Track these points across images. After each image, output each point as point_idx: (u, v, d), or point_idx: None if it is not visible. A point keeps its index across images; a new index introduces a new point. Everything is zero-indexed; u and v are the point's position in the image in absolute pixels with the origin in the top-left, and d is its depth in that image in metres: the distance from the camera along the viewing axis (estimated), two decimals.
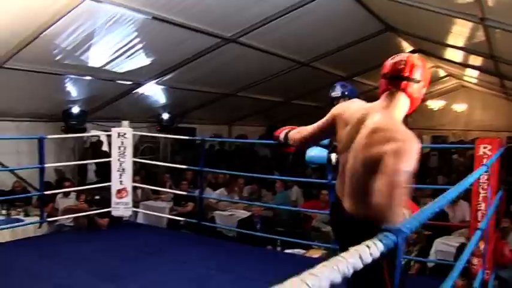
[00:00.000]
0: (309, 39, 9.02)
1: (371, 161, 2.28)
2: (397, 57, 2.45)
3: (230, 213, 8.67)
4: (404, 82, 2.36)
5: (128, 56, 8.05)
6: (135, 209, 7.96)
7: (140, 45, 7.76)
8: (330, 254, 6.30)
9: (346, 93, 4.20)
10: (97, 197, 7.92)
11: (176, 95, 10.99)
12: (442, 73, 16.43)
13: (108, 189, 7.36)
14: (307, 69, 10.81)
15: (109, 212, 7.35)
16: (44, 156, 6.51)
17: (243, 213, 8.46)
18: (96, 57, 7.84)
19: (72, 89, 8.97)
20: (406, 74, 2.36)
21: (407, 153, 2.17)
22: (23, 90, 8.27)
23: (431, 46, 10.25)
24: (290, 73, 10.82)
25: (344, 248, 1.92)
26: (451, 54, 10.68)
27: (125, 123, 7.57)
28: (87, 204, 7.57)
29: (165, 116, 11.83)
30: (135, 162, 7.80)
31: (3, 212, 8.01)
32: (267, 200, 9.37)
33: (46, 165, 6.76)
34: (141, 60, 8.37)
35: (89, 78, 8.53)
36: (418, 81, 2.38)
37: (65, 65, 7.83)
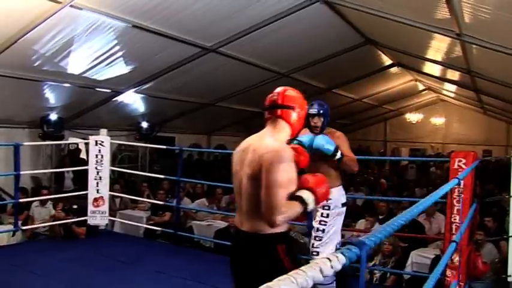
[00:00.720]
0: (289, 50, 9.09)
1: (253, 175, 2.62)
2: (274, 91, 2.86)
3: (208, 223, 8.63)
4: (279, 110, 2.76)
5: (108, 64, 8.03)
6: (112, 218, 7.88)
7: (120, 53, 7.74)
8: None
9: (321, 111, 4.38)
10: (75, 206, 7.84)
11: (156, 104, 10.97)
12: (420, 87, 16.66)
13: (85, 197, 7.28)
14: (287, 80, 10.86)
15: (86, 220, 7.27)
16: (19, 163, 6.41)
17: (221, 224, 8.41)
18: (75, 64, 7.81)
19: (50, 96, 8.91)
20: (280, 102, 2.77)
21: (280, 162, 2.52)
22: (0, 95, 8.19)
23: (410, 60, 10.39)
24: (270, 84, 10.83)
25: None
26: (430, 68, 10.85)
27: (103, 131, 7.50)
28: (64, 213, 7.48)
29: (144, 124, 11.79)
30: (113, 171, 7.74)
31: None
32: None
33: (22, 172, 6.67)
34: (120, 68, 8.35)
35: (67, 85, 8.49)
36: (292, 108, 2.77)
37: (44, 71, 7.79)
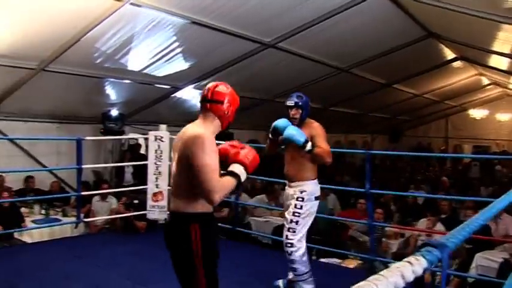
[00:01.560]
0: (349, 45, 8.93)
1: (179, 159, 2.89)
2: (206, 86, 3.13)
3: (266, 219, 8.61)
4: (208, 104, 3.02)
5: (167, 60, 8.10)
6: None
7: (179, 50, 7.80)
8: (367, 265, 6.19)
9: (299, 103, 4.57)
10: (135, 201, 7.97)
11: None
12: (485, 81, 16.07)
13: (145, 192, 7.38)
14: (346, 76, 10.71)
15: (145, 215, 7.37)
16: (81, 158, 6.56)
17: (279, 220, 8.37)
18: (135, 61, 7.93)
19: (111, 92, 9.09)
20: (209, 97, 3.02)
21: (201, 146, 2.75)
22: (64, 92, 8.43)
23: (475, 53, 10.03)
24: (329, 79, 10.73)
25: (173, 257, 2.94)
26: (496, 61, 10.42)
27: (163, 126, 7.58)
28: (124, 207, 7.62)
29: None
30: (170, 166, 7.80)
31: (42, 211, 8.17)
32: None
33: (83, 166, 6.82)
34: (179, 64, 8.41)
35: (128, 81, 8.62)
36: (221, 102, 3.01)
37: (105, 68, 7.94)
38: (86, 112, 9.65)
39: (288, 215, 4.51)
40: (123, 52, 7.46)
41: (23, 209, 7.99)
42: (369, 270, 5.94)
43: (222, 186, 2.78)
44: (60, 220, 7.87)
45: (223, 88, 3.09)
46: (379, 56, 9.74)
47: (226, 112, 3.04)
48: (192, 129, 2.94)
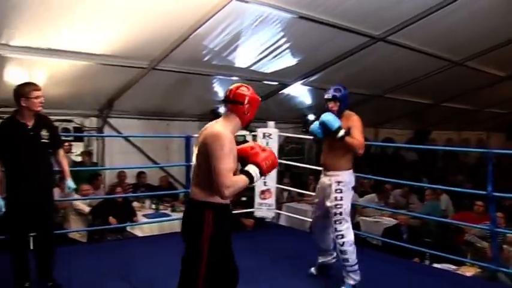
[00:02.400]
0: (463, 36, 8.35)
1: (199, 152, 3.15)
2: (229, 87, 3.30)
3: (376, 220, 8.33)
4: (230, 104, 3.23)
5: (274, 56, 8.03)
6: (278, 211, 7.89)
7: (286, 45, 7.69)
8: (487, 273, 5.74)
9: (337, 96, 4.72)
10: (243, 198, 7.98)
11: (322, 96, 10.78)
12: None
13: (253, 189, 7.35)
14: (461, 69, 10.09)
15: (253, 212, 7.35)
16: (190, 154, 6.63)
17: (389, 221, 8.07)
18: (242, 58, 7.92)
19: (219, 89, 9.15)
20: (230, 98, 3.23)
21: (221, 144, 3.00)
22: (174, 90, 8.61)
23: None
24: (441, 73, 10.17)
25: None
26: None
27: (271, 123, 7.50)
28: (232, 205, 7.64)
29: (311, 117, 11.62)
30: (279, 164, 7.73)
31: (153, 206, 8.41)
32: (414, 208, 8.87)
33: (192, 163, 6.88)
34: (287, 60, 8.31)
35: (235, 78, 8.64)
36: (241, 103, 3.20)
37: (213, 66, 8.01)
38: (194, 109, 9.83)
39: (332, 209, 4.69)
40: (230, 49, 7.46)
41: (134, 204, 8.28)
42: (489, 279, 5.53)
43: (233, 183, 3.01)
44: (169, 215, 8.05)
45: (244, 90, 3.27)
46: (498, 46, 9.04)
47: (246, 112, 3.24)
48: (213, 127, 3.16)
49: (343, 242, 4.64)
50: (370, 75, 9.87)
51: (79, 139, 9.83)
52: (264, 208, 7.29)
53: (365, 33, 7.66)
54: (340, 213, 4.64)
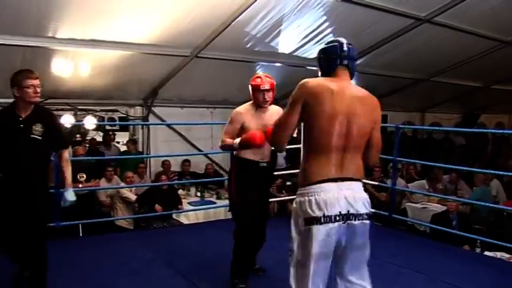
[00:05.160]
0: None
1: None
2: None
3: (423, 206, 8.18)
4: None
5: (317, 41, 7.89)
6: None
7: (329, 30, 7.55)
8: None
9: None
10: (288, 183, 7.93)
11: (367, 81, 10.57)
12: None
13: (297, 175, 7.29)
14: (511, 50, 9.75)
15: None
16: None
17: (437, 207, 7.90)
18: (285, 43, 7.85)
19: None
20: None
21: (230, 115, 4.41)
22: (217, 78, 8.62)
23: None
24: (491, 55, 9.81)
25: None
26: None
27: None
28: (277, 190, 7.64)
29: None
30: None
31: (198, 193, 8.48)
32: (463, 194, 8.66)
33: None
34: None
35: (279, 64, 8.58)
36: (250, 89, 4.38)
37: (256, 52, 7.96)
38: (238, 97, 9.77)
39: None
40: (273, 35, 7.40)
41: (180, 191, 8.36)
42: None
43: (223, 141, 4.30)
44: (214, 203, 8.10)
45: (252, 79, 4.35)
46: None
47: (251, 95, 4.29)
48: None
49: None
50: (415, 59, 9.61)
51: (124, 128, 10.00)
52: None
53: (410, 14, 7.44)
54: None
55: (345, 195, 2.67)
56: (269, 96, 4.28)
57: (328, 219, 2.63)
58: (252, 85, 4.25)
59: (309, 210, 2.67)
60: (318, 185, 2.70)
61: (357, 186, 2.77)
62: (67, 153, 4.17)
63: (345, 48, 3.04)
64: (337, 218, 2.64)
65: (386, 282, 4.62)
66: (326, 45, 3.10)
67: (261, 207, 4.45)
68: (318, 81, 2.90)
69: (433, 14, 7.45)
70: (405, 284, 4.67)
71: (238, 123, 4.21)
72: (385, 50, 8.63)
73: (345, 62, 3.01)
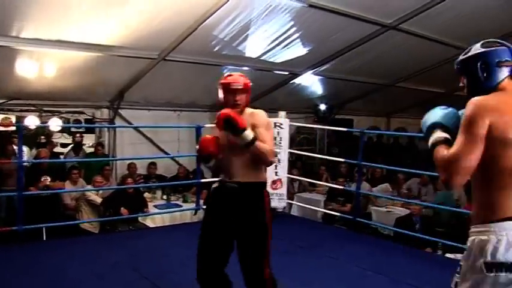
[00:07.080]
0: (477, 24, 8.15)
1: None
2: None
3: (388, 209, 8.28)
4: None
5: (285, 46, 7.98)
6: (289, 201, 7.86)
7: (297, 35, 7.64)
8: None
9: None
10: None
11: (333, 86, 10.76)
12: None
13: None
14: None
15: None
16: None
17: (401, 211, 8.02)
18: (252, 48, 7.88)
19: None
20: None
21: None
22: (184, 81, 8.64)
23: None
24: (454, 62, 9.99)
25: None
26: None
27: (282, 113, 7.44)
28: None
29: (322, 107, 11.63)
30: (291, 154, 7.70)
31: (164, 197, 8.46)
32: (427, 198, 8.80)
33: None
34: (297, 50, 8.25)
35: (246, 68, 8.60)
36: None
37: (223, 56, 7.98)
38: (205, 100, 9.81)
39: None
40: (240, 39, 7.43)
41: (146, 194, 8.31)
42: None
43: None
44: (180, 206, 8.09)
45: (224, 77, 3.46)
46: None
47: (221, 97, 3.44)
48: None
49: None
50: (381, 65, 9.76)
51: (90, 131, 9.88)
52: (276, 198, 7.23)
53: (376, 21, 7.56)
54: None
55: None
56: (241, 98, 3.36)
57: None
58: (221, 84, 3.37)
59: (495, 253, 2.04)
60: (508, 222, 2.07)
61: None
62: None
63: None
64: None
65: (351, 284, 4.68)
66: (487, 49, 2.35)
67: (221, 250, 3.42)
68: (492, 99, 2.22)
69: (399, 21, 7.58)
70: (369, 287, 4.72)
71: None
72: (352, 55, 8.74)
73: None
